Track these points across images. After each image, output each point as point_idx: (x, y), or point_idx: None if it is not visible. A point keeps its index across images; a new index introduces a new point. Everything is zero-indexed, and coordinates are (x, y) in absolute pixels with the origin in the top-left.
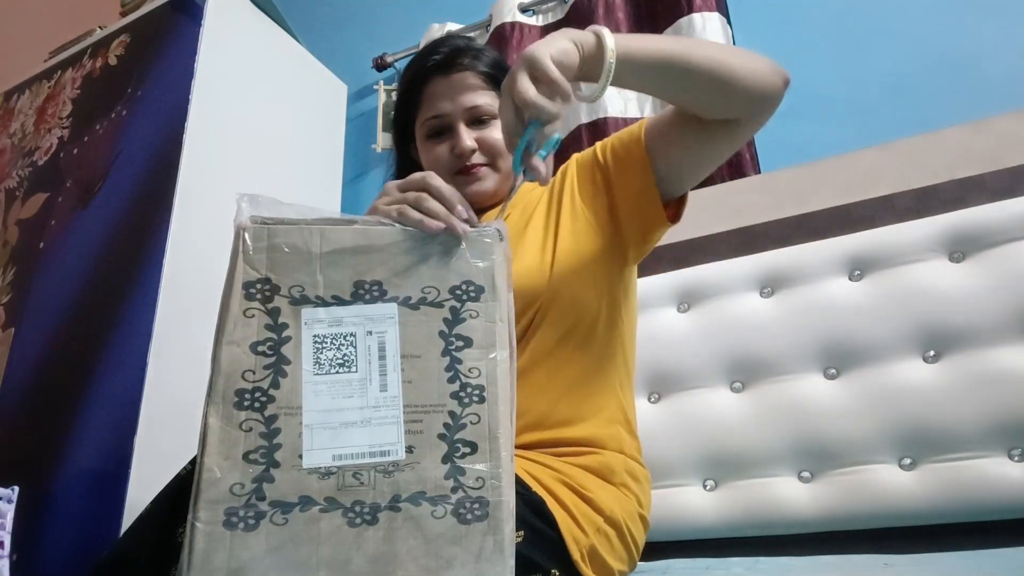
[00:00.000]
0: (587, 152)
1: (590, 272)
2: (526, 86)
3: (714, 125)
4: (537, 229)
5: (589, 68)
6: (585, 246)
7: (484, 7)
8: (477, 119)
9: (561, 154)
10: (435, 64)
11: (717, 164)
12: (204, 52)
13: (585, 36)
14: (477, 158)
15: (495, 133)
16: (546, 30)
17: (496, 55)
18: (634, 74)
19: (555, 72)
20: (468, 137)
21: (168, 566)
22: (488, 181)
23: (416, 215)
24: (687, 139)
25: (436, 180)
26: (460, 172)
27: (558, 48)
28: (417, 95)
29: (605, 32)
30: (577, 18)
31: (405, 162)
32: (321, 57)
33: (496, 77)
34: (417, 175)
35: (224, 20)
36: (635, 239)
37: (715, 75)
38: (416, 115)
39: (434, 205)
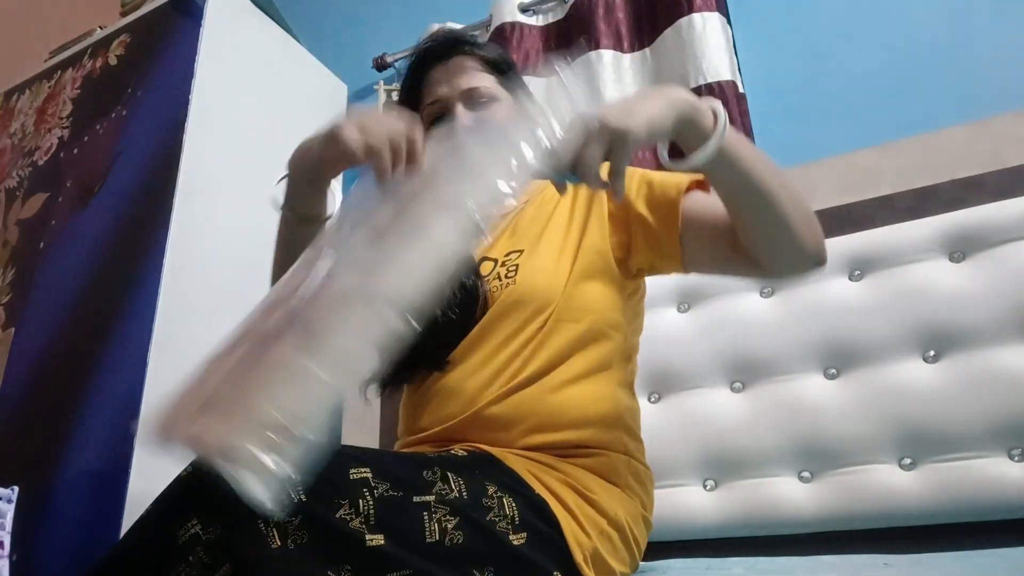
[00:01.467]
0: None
1: (604, 281)
2: (593, 157)
3: (744, 258)
4: (558, 231)
5: (688, 136)
6: (604, 259)
7: (484, 7)
8: (475, 101)
9: None
10: (433, 52)
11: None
12: (204, 52)
13: (702, 110)
14: None
15: (494, 115)
16: (546, 30)
17: (498, 48)
18: (723, 170)
19: (625, 162)
20: (466, 117)
21: (168, 567)
22: None
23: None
24: (722, 251)
25: (417, 135)
26: None
27: (655, 122)
28: (418, 86)
29: (723, 116)
30: (577, 18)
31: None
32: (321, 57)
33: (497, 64)
34: (404, 124)
35: (224, 20)
36: (645, 271)
37: (781, 216)
38: (419, 107)
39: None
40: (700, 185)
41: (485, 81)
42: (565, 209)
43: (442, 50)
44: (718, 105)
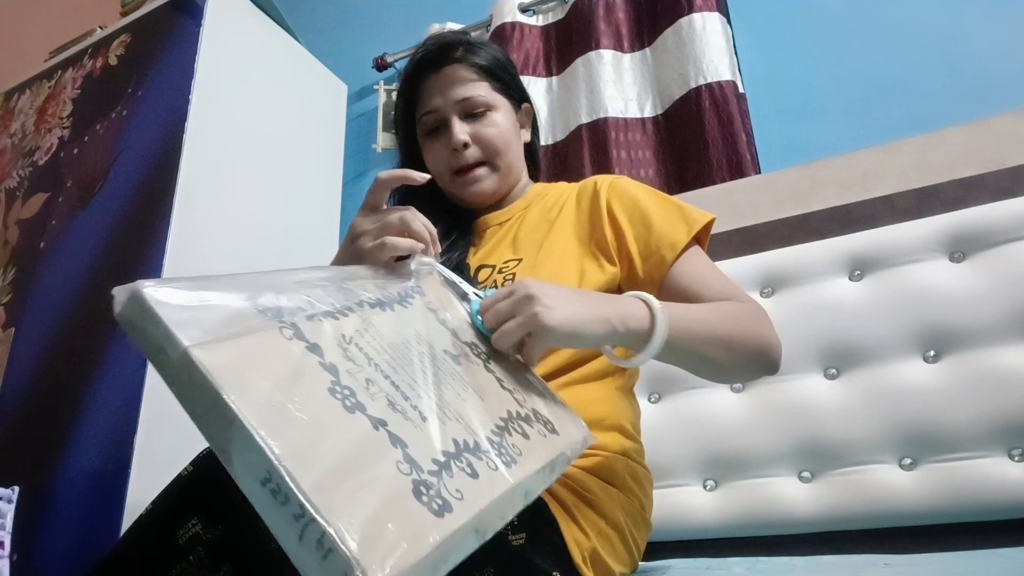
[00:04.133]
0: (622, 199)
1: (607, 289)
2: (510, 335)
3: None
4: (565, 236)
5: (624, 343)
6: (608, 269)
7: (484, 7)
8: (470, 112)
9: (563, 153)
10: (426, 60)
11: None
12: (204, 52)
13: (633, 325)
14: (473, 154)
15: (490, 128)
16: (546, 30)
17: (493, 49)
18: (666, 355)
19: (538, 353)
20: (461, 131)
21: (168, 567)
22: (487, 182)
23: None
24: None
25: (411, 216)
26: (458, 172)
27: (579, 330)
28: (413, 93)
29: (660, 314)
30: (577, 18)
31: (409, 161)
32: (321, 57)
33: (490, 69)
34: (395, 213)
35: (224, 20)
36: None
37: (721, 368)
38: (415, 113)
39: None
40: (699, 238)
41: (479, 90)
42: (570, 215)
43: (434, 58)
44: (652, 301)
